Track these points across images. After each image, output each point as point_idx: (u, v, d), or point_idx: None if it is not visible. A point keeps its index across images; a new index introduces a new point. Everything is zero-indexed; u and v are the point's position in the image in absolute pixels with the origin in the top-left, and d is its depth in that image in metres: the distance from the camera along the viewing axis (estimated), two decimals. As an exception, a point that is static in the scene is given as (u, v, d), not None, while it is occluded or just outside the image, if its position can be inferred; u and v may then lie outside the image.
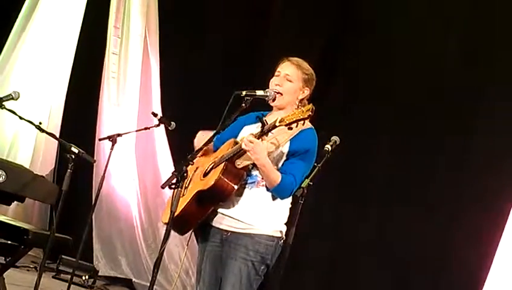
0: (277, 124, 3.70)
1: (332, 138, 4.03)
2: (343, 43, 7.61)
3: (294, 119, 3.65)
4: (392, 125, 6.97)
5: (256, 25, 8.28)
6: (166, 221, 3.83)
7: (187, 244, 4.25)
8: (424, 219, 6.51)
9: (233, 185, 3.82)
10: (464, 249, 6.18)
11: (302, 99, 4.04)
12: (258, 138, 3.75)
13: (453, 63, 6.77)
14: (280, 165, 3.90)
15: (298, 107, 3.95)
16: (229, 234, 3.93)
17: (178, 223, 3.92)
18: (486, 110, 6.47)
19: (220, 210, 3.94)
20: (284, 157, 3.91)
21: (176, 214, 3.81)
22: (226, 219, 3.93)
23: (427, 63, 6.91)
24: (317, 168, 3.91)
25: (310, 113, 3.63)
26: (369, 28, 7.43)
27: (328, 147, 3.96)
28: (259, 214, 3.90)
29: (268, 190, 3.88)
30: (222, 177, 3.80)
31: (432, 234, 6.46)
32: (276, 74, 4.08)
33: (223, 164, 3.85)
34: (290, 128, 3.71)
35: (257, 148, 3.73)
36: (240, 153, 3.83)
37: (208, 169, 3.97)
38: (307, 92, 4.05)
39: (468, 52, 6.69)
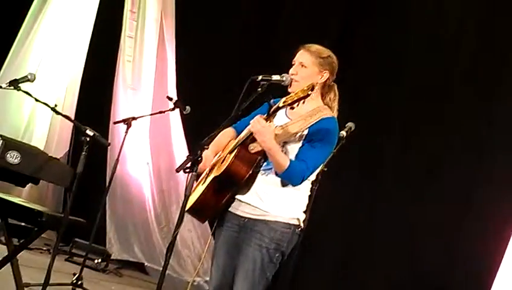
0: (280, 105, 3.70)
1: (347, 124, 4.01)
2: (357, 27, 7.57)
3: (295, 98, 3.63)
4: (405, 109, 6.94)
5: (272, 8, 8.25)
6: (187, 208, 3.85)
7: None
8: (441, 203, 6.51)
9: (246, 169, 3.80)
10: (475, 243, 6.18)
11: (325, 82, 3.97)
12: (266, 121, 3.73)
13: (470, 46, 6.72)
14: (296, 151, 3.86)
15: (323, 94, 3.94)
16: (246, 220, 3.90)
17: (197, 211, 3.94)
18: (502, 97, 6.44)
19: (237, 196, 3.92)
20: (300, 144, 3.86)
21: (194, 202, 3.85)
22: (243, 205, 3.91)
23: (442, 47, 6.86)
24: (331, 153, 3.90)
25: (310, 91, 3.59)
26: (384, 11, 7.39)
27: (343, 133, 3.94)
28: (275, 201, 3.86)
29: (277, 175, 3.84)
30: (235, 161, 3.78)
31: (446, 223, 6.45)
32: (292, 63, 4.05)
33: (236, 148, 3.83)
34: (292, 108, 3.71)
35: (262, 130, 3.70)
36: (253, 137, 3.81)
37: (226, 155, 3.96)
38: (326, 74, 3.95)
39: (485, 35, 6.63)
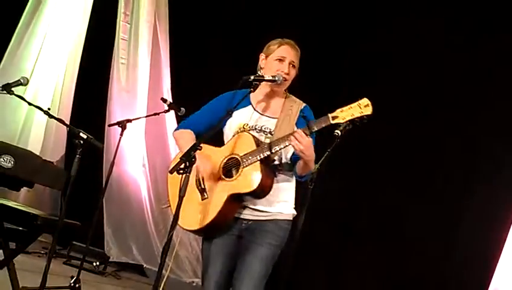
0: (332, 122, 3.68)
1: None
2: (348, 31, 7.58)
3: (354, 116, 3.68)
4: (402, 108, 6.92)
5: (267, 10, 8.24)
6: (193, 228, 3.86)
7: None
8: (436, 203, 6.50)
9: (271, 180, 3.82)
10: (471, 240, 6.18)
11: None
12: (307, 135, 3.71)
13: (458, 48, 6.73)
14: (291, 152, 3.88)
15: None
16: (250, 222, 3.89)
17: (209, 229, 3.87)
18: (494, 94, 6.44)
19: (247, 204, 3.90)
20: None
21: (206, 222, 3.80)
22: (248, 210, 3.89)
23: (431, 47, 6.86)
24: (326, 153, 3.88)
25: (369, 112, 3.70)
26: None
27: (337, 131, 3.92)
28: (282, 200, 3.91)
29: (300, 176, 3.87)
30: (263, 176, 3.76)
31: (441, 222, 6.45)
32: (280, 58, 4.02)
33: (260, 162, 3.79)
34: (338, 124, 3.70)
35: (309, 144, 3.69)
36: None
37: (229, 167, 3.89)
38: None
39: (471, 36, 6.64)
